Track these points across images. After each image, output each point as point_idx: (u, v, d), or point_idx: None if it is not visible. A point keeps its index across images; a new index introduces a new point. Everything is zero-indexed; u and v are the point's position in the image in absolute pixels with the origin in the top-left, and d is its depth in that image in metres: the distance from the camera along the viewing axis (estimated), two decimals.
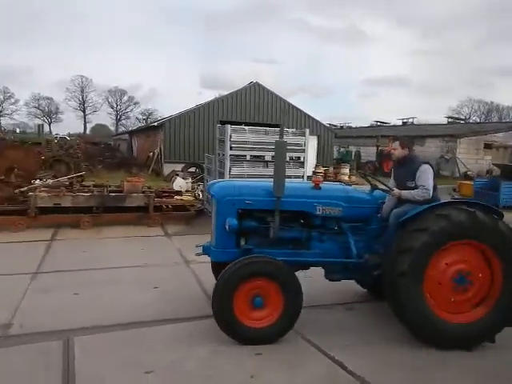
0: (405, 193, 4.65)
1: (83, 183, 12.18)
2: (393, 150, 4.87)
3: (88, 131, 79.20)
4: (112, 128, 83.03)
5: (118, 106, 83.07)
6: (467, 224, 4.20)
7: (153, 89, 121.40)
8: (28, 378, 3.63)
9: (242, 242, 4.67)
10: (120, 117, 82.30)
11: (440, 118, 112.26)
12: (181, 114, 24.89)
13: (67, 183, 11.09)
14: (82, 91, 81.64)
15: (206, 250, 4.93)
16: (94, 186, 11.11)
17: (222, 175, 10.25)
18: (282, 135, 4.84)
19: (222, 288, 4.12)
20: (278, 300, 4.20)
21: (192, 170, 19.90)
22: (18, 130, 47.39)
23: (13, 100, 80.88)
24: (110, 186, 11.06)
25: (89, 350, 4.07)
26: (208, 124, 23.08)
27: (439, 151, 29.57)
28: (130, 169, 22.48)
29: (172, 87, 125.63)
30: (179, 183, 14.06)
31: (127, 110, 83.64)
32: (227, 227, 4.48)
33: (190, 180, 14.83)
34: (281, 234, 4.63)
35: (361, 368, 3.86)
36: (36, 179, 11.90)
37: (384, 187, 4.86)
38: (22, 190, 10.30)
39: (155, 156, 23.26)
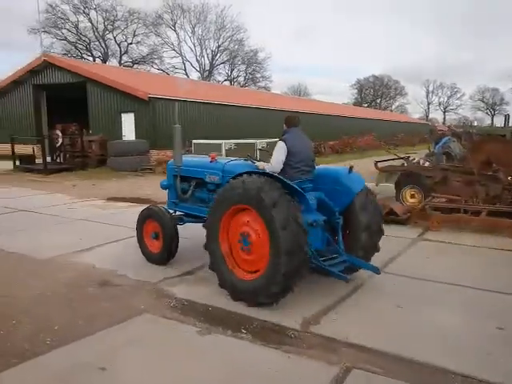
0: (266, 166, 5.09)
1: None
2: None
3: None
4: None
5: None
6: (239, 190, 4.56)
7: None
8: None
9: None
10: None
11: None
12: None
13: None
14: None
15: None
16: None
17: None
18: (177, 120, 5.76)
19: (137, 223, 6.19)
20: (161, 237, 5.85)
21: None
22: (475, 123, 47.20)
23: (458, 95, 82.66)
24: None
25: None
26: None
27: None
28: None
29: None
30: None
31: None
32: (160, 185, 6.65)
33: None
34: (194, 194, 6.09)
35: None
36: None
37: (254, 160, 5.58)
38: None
39: None
